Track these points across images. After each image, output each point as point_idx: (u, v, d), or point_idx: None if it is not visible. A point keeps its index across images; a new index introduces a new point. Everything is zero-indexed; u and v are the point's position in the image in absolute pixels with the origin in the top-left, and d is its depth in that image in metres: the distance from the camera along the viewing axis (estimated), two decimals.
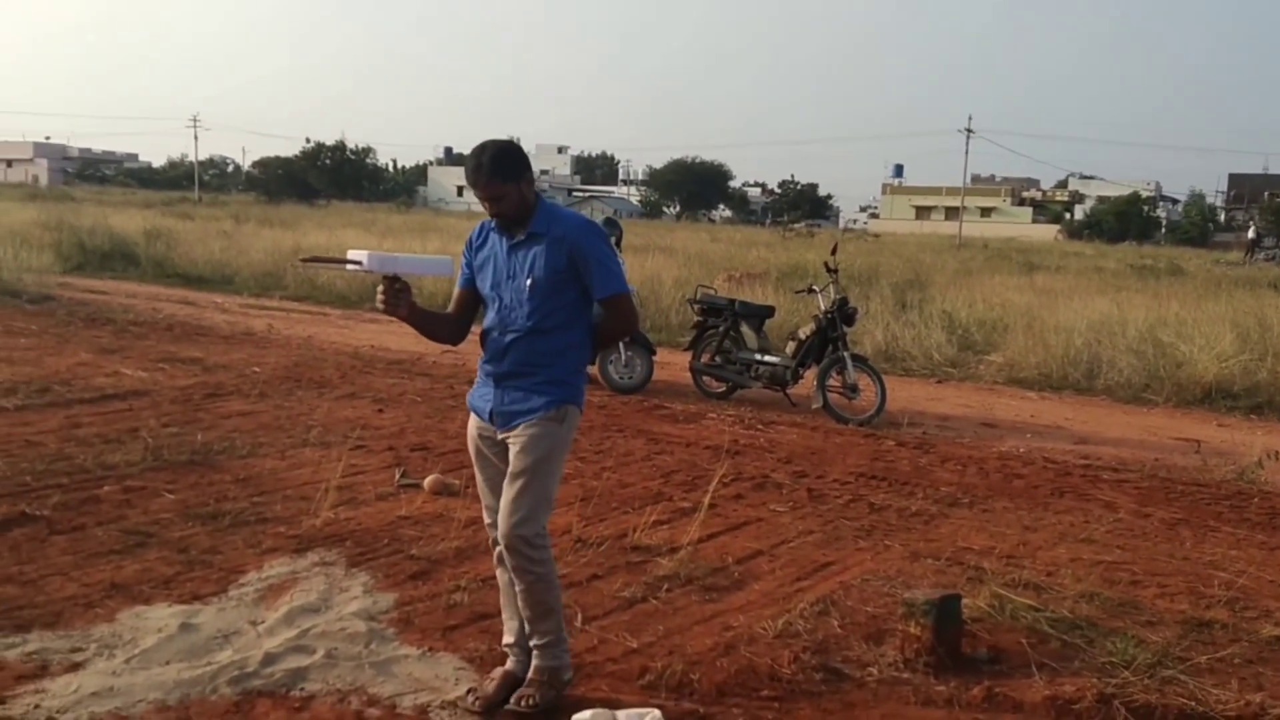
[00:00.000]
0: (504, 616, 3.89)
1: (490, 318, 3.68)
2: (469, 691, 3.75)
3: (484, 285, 3.69)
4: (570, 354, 3.67)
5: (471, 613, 4.49)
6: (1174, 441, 9.26)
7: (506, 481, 3.64)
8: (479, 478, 3.86)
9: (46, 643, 4.05)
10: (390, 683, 3.88)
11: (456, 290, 3.81)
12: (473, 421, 3.80)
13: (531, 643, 3.73)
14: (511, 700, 3.67)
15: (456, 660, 4.05)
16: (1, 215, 26.50)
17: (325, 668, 3.98)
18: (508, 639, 3.85)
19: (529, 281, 3.56)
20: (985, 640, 4.46)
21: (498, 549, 3.74)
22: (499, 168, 3.49)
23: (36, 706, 3.57)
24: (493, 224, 3.66)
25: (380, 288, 3.56)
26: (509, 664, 3.83)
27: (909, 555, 5.66)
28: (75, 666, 3.88)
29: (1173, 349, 12.04)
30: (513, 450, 3.63)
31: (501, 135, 3.68)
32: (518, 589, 3.69)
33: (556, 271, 3.56)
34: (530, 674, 3.73)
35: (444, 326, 3.85)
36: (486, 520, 3.84)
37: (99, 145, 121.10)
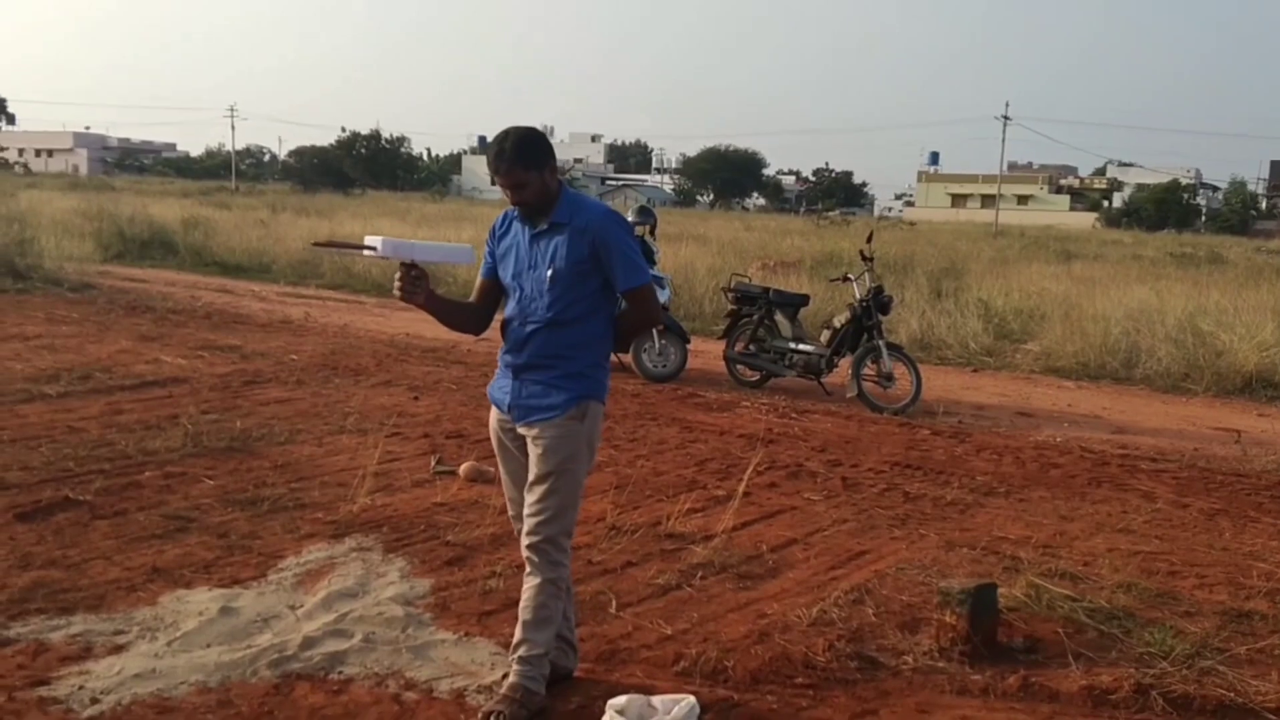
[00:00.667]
0: None
1: (510, 308, 3.61)
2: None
3: (505, 275, 3.63)
4: (591, 346, 3.60)
5: (507, 598, 4.51)
6: (1213, 431, 9.16)
7: (530, 483, 3.57)
8: (501, 470, 3.81)
9: (90, 625, 4.12)
10: (427, 667, 3.92)
11: (479, 279, 3.75)
12: (493, 413, 3.74)
13: (517, 654, 3.59)
14: (481, 715, 3.53)
15: (492, 645, 4.08)
16: (43, 204, 26.86)
17: (363, 652, 4.02)
18: None
19: (550, 272, 3.49)
20: (1021, 630, 4.44)
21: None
22: (521, 155, 3.41)
23: (81, 688, 3.63)
24: (516, 212, 3.60)
25: (397, 275, 3.50)
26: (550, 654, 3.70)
27: (944, 544, 5.64)
28: (118, 649, 3.94)
29: (1213, 338, 11.90)
30: (535, 452, 3.55)
31: (536, 124, 3.64)
32: (526, 586, 3.60)
33: (578, 262, 3.48)
34: (504, 689, 3.58)
35: (465, 315, 3.78)
36: (511, 513, 3.79)
37: (137, 135, 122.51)
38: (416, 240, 3.62)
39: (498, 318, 3.76)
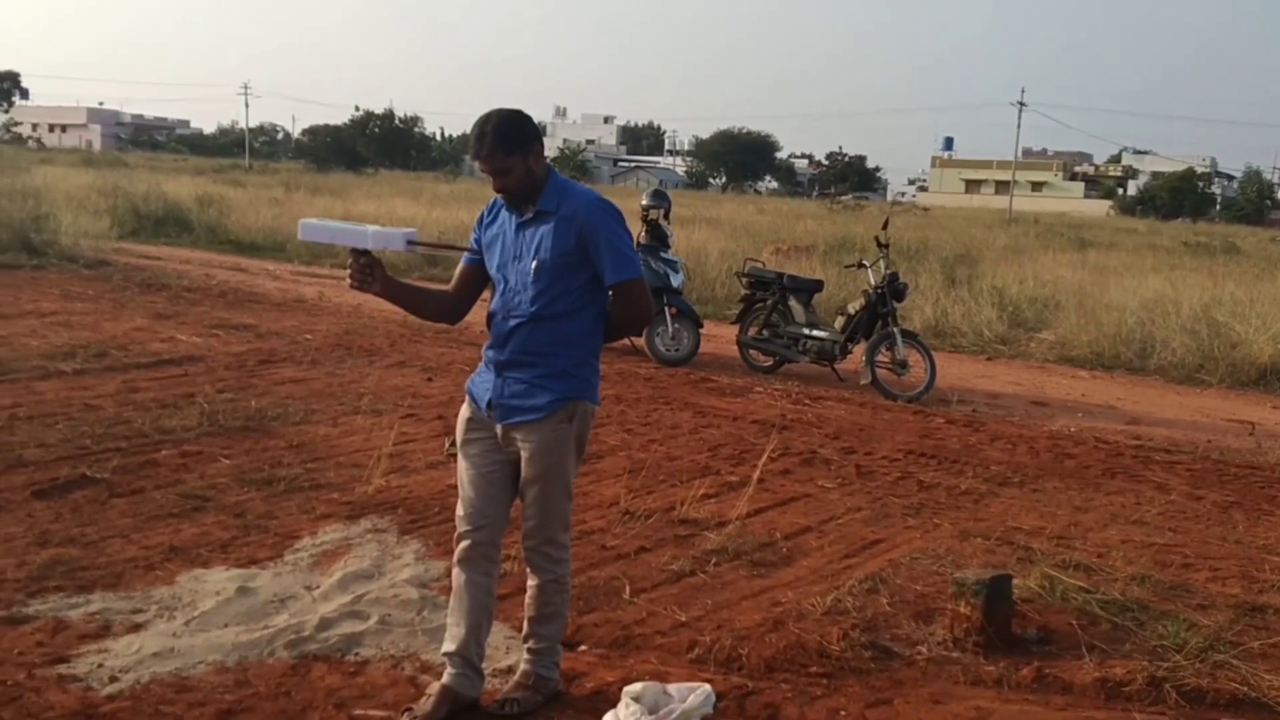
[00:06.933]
0: (450, 622, 3.52)
1: (495, 301, 3.43)
2: (404, 712, 3.42)
3: (491, 265, 3.44)
4: (577, 344, 3.40)
5: (520, 583, 4.48)
6: (1228, 423, 9.13)
7: (522, 486, 3.46)
8: (463, 470, 3.52)
9: (108, 604, 4.15)
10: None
11: (460, 265, 3.56)
12: (466, 409, 3.55)
13: (528, 645, 3.60)
14: (496, 703, 3.51)
15: (506, 629, 4.09)
16: (58, 180, 26.85)
17: (379, 633, 4.04)
18: (448, 646, 3.49)
19: (534, 264, 3.30)
20: (1035, 621, 4.44)
21: (462, 545, 3.48)
22: (503, 138, 3.23)
23: (99, 666, 3.66)
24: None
25: (349, 262, 3.29)
26: (446, 678, 3.47)
27: (958, 534, 5.64)
28: (136, 627, 3.97)
29: (1228, 329, 11.85)
30: (524, 455, 3.41)
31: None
32: (530, 584, 3.57)
33: (564, 254, 3.29)
34: (518, 677, 3.60)
35: (435, 304, 3.59)
36: (460, 512, 3.50)
37: (151, 111, 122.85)
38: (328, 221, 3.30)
39: (481, 310, 3.58)
